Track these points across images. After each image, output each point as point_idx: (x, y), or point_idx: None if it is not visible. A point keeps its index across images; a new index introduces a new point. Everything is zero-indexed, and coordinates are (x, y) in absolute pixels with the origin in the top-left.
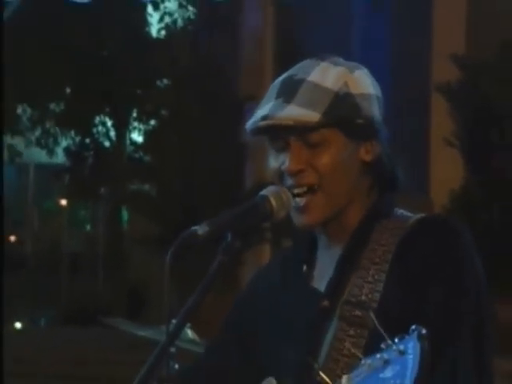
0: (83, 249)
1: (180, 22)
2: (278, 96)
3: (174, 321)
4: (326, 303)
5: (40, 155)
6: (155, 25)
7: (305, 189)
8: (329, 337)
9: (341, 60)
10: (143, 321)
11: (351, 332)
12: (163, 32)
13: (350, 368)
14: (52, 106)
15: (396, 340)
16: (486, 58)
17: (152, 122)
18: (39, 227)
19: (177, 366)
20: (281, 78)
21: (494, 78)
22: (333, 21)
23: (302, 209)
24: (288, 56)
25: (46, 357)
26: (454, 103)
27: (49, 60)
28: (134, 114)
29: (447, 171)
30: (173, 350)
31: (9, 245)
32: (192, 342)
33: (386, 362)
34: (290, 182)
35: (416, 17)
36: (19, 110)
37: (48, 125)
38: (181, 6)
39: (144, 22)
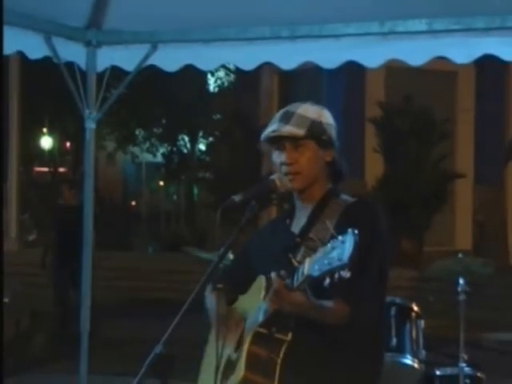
0: (172, 209)
1: (226, 83)
2: (281, 120)
3: (221, 249)
4: (298, 239)
5: (148, 157)
6: (212, 84)
7: (293, 173)
8: (298, 256)
9: (313, 103)
10: (205, 249)
11: (311, 253)
12: (216, 88)
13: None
14: (155, 129)
15: (339, 237)
16: (395, 103)
17: (210, 139)
18: (148, 197)
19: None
20: (282, 111)
21: (401, 115)
22: (311, 82)
23: (292, 181)
24: (286, 102)
25: (149, 270)
26: (378, 129)
27: (153, 104)
28: (200, 134)
29: (374, 166)
30: (221, 265)
31: (131, 207)
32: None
33: (333, 248)
34: (285, 169)
35: (357, 80)
36: (137, 132)
37: (153, 140)
38: (226, 74)
39: (205, 83)
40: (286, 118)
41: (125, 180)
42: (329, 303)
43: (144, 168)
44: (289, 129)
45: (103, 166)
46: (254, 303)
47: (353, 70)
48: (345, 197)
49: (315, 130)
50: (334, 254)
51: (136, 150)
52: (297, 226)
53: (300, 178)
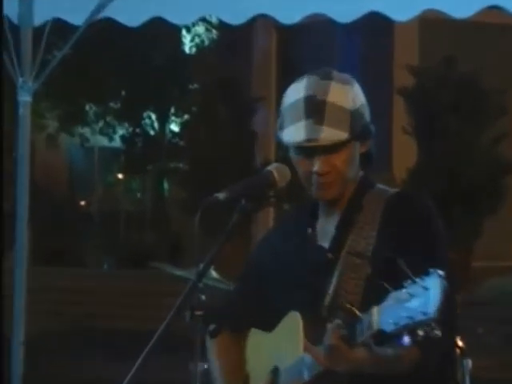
0: (135, 210)
1: (206, 42)
2: (308, 116)
3: (201, 264)
4: (330, 255)
5: (102, 141)
6: (188, 44)
7: (328, 183)
8: (334, 280)
9: (340, 75)
10: (179, 264)
11: (352, 275)
12: (194, 49)
13: (354, 303)
14: (111, 104)
15: (418, 279)
16: (432, 68)
17: (185, 117)
18: (102, 195)
19: (203, 297)
20: (301, 97)
21: (441, 84)
22: (320, 40)
23: (323, 187)
24: (287, 67)
25: (106, 291)
26: (410, 102)
27: (109, 71)
28: (172, 110)
29: (404, 153)
30: (201, 285)
31: (80, 207)
32: (215, 279)
33: (411, 296)
34: (316, 179)
35: (381, 38)
36: (87, 107)
37: (108, 118)
38: (207, 29)
39: (179, 42)
40: (317, 114)
41: (71, 171)
42: (395, 350)
43: (97, 155)
44: (328, 134)
45: (42, 151)
46: (286, 349)
47: (376, 25)
48: (380, 186)
49: (357, 125)
50: (415, 304)
51: (86, 131)
52: (324, 236)
53: (334, 187)
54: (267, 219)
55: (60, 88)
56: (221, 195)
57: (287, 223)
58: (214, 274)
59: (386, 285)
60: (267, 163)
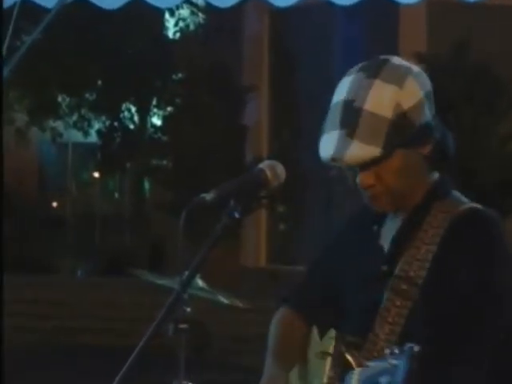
0: (112, 212)
1: (192, 26)
2: (342, 126)
3: (186, 272)
4: (385, 268)
5: (77, 136)
6: (171, 28)
7: (376, 196)
8: (386, 298)
9: (392, 69)
10: (162, 272)
11: (397, 303)
12: (178, 34)
13: (391, 336)
14: (87, 95)
15: (395, 351)
16: (443, 54)
17: (168, 109)
18: (76, 195)
19: (188, 310)
20: (342, 99)
21: (452, 72)
22: (316, 24)
23: (372, 200)
24: (281, 54)
25: (81, 300)
26: None
27: (84, 57)
28: (154, 102)
29: None
30: (185, 296)
31: (52, 210)
32: (201, 289)
33: (384, 370)
34: (363, 191)
35: (385, 23)
36: (60, 99)
37: (83, 111)
38: (192, 13)
39: (162, 26)
40: (351, 124)
41: (42, 169)
42: None
43: (71, 152)
44: (356, 151)
45: (10, 147)
46: (316, 373)
47: (380, 7)
48: (456, 196)
49: (400, 135)
50: (384, 380)
51: (59, 124)
52: (387, 240)
53: (385, 200)
54: (259, 222)
55: (30, 77)
56: (208, 196)
57: (358, 218)
58: (200, 283)
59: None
60: (259, 160)
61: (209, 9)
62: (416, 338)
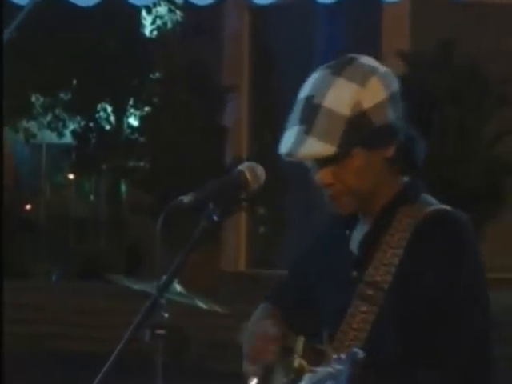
0: (88, 216)
1: (169, 24)
2: (301, 122)
3: (164, 276)
4: (355, 273)
5: (51, 136)
6: (148, 26)
7: (336, 196)
8: (353, 304)
9: (356, 68)
10: (138, 276)
11: (363, 308)
12: (155, 32)
13: (357, 340)
14: (61, 94)
15: (342, 357)
16: (426, 52)
17: (146, 109)
18: (51, 197)
19: (166, 315)
20: (305, 95)
21: (436, 71)
22: (297, 22)
23: (332, 200)
24: (261, 53)
25: (54, 306)
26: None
27: (58, 56)
28: (131, 102)
29: None
30: (163, 301)
31: (25, 212)
32: (179, 294)
33: (330, 376)
34: (323, 189)
35: (368, 21)
36: (33, 98)
37: (57, 111)
38: (170, 10)
39: (139, 24)
40: (309, 120)
41: (15, 171)
42: None
43: (45, 153)
44: (309, 148)
45: None
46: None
47: (362, 5)
48: (426, 200)
49: (356, 135)
50: None
51: (32, 125)
52: (355, 246)
53: (345, 201)
54: (238, 225)
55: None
56: (186, 199)
57: (333, 222)
58: (178, 287)
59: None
60: (239, 161)
61: (187, 6)
62: (382, 343)
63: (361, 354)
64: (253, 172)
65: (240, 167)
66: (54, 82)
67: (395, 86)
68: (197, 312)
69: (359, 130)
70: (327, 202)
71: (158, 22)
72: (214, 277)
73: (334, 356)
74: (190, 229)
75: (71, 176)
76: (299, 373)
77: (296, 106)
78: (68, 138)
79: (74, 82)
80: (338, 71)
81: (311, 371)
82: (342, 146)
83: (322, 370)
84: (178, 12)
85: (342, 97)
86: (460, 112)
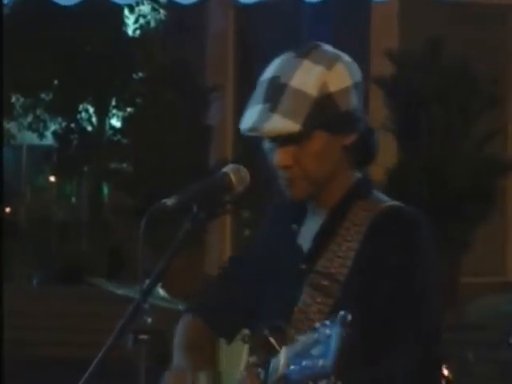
0: (70, 218)
1: (153, 23)
2: (265, 100)
3: (147, 280)
4: (303, 266)
5: (32, 138)
6: (131, 25)
7: (292, 179)
8: (302, 297)
9: (322, 53)
10: (121, 280)
11: (318, 299)
12: (138, 32)
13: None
14: (42, 95)
15: (326, 322)
16: (416, 52)
17: (128, 110)
18: (31, 200)
19: (149, 320)
20: (269, 76)
21: (425, 72)
22: (284, 21)
23: (287, 185)
24: (246, 52)
25: (35, 310)
26: (389, 93)
27: (39, 56)
28: (113, 103)
29: (383, 151)
30: (146, 305)
31: (5, 215)
32: (163, 298)
33: (317, 342)
34: (280, 173)
35: (356, 20)
36: (13, 99)
37: (38, 111)
38: (153, 9)
39: (121, 23)
40: (274, 98)
41: None
42: None
43: (25, 154)
44: (275, 124)
45: None
46: (232, 373)
47: (350, 4)
48: (378, 196)
49: (320, 116)
50: (316, 351)
51: (12, 126)
52: (306, 239)
53: (301, 185)
54: (223, 228)
55: None
56: (169, 201)
57: (276, 216)
58: (161, 292)
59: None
60: (223, 163)
61: (170, 5)
62: None
63: (349, 316)
64: (237, 174)
65: (224, 169)
66: (34, 82)
67: (358, 76)
68: (180, 317)
69: (324, 112)
70: (281, 187)
71: (141, 20)
72: (199, 281)
73: (317, 324)
74: (173, 232)
75: (52, 178)
76: (269, 350)
77: (259, 87)
78: (49, 140)
79: (56, 82)
80: (303, 55)
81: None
82: (306, 124)
83: (304, 338)
84: (161, 11)
85: (308, 77)
86: (448, 112)
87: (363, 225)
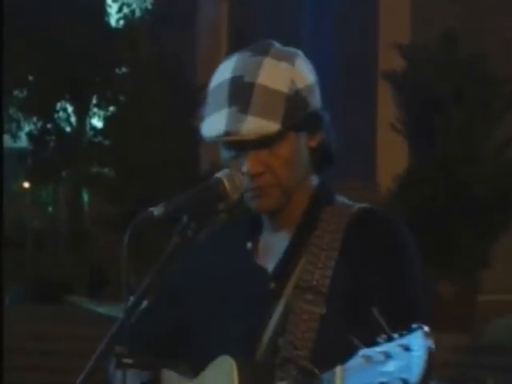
0: (46, 228)
1: (138, 12)
2: (231, 103)
3: (131, 298)
4: (272, 285)
5: (4, 139)
6: (114, 15)
7: (262, 188)
8: (275, 318)
9: (279, 50)
10: (103, 298)
11: (304, 316)
12: (122, 22)
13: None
14: (15, 92)
15: (394, 336)
16: (429, 46)
17: (111, 108)
18: (5, 209)
19: None
20: (227, 78)
21: (439, 68)
22: (282, 12)
23: (258, 197)
24: (241, 45)
25: (8, 332)
26: (399, 91)
27: (10, 48)
28: (94, 101)
29: (392, 156)
30: (132, 325)
31: None
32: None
33: (388, 357)
34: (248, 181)
35: (362, 10)
36: None
37: (11, 110)
38: None
39: (103, 13)
40: (243, 100)
41: None
42: None
43: None
44: (252, 125)
45: None
46: None
47: None
48: (341, 200)
49: (297, 113)
50: (392, 367)
51: None
52: (268, 257)
53: (272, 194)
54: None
55: None
56: (157, 210)
57: (221, 234)
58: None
59: (354, 340)
60: (216, 168)
61: None
62: (333, 348)
63: (427, 327)
64: (232, 180)
65: (217, 175)
66: (6, 79)
67: (313, 72)
68: None
69: (297, 109)
70: (247, 198)
71: (125, 9)
72: None
73: (379, 339)
74: (161, 243)
75: (26, 184)
76: (305, 378)
77: (214, 93)
78: (23, 142)
79: (30, 78)
80: (261, 52)
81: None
82: (284, 123)
83: (359, 357)
84: None
85: (276, 74)
86: (465, 111)
87: (338, 231)
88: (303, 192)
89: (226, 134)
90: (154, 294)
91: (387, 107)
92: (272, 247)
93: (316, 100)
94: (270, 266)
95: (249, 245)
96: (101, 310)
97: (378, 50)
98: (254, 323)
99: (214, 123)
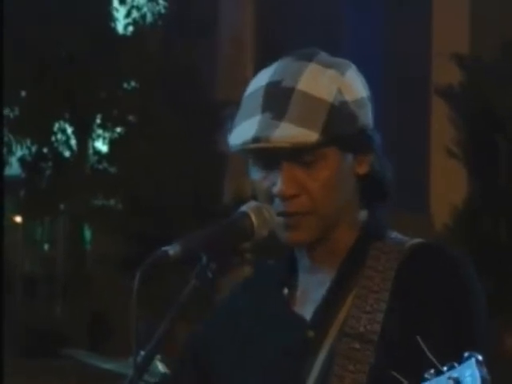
0: (40, 271)
1: (149, 17)
2: (265, 109)
3: (142, 352)
4: (311, 334)
5: None
6: (122, 20)
7: (296, 214)
8: (316, 370)
9: (328, 57)
10: (108, 352)
11: (351, 367)
12: (131, 28)
13: None
14: (6, 111)
15: (446, 368)
16: (489, 57)
17: (118, 129)
18: None
19: None
20: (263, 84)
21: (502, 81)
22: (319, 20)
23: (291, 227)
24: (270, 57)
25: None
26: (457, 109)
27: (4, 61)
28: (98, 120)
29: (449, 185)
30: None
31: None
32: (163, 375)
33: None
34: (280, 205)
35: (412, 14)
36: None
37: (4, 131)
38: (150, 1)
39: (109, 17)
40: (279, 105)
41: None
42: None
43: None
44: (286, 131)
45: None
46: None
47: None
48: (394, 235)
49: (339, 125)
50: None
51: None
52: (307, 304)
53: (310, 221)
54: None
55: None
56: (172, 249)
57: (256, 281)
58: (160, 366)
59: (400, 378)
60: (241, 200)
61: None
62: None
63: (480, 356)
64: (260, 214)
65: (243, 208)
66: None
67: (368, 90)
68: None
69: (342, 121)
70: (278, 229)
71: (135, 14)
72: None
73: (428, 375)
74: (176, 288)
75: (18, 218)
76: None
77: (248, 100)
78: (15, 169)
79: (23, 93)
80: (306, 58)
81: None
82: (326, 133)
83: None
84: (160, 1)
85: (320, 81)
86: None
87: (389, 269)
88: (349, 227)
89: (255, 140)
90: (178, 358)
91: (442, 128)
92: (311, 291)
93: (367, 117)
94: (309, 312)
95: (285, 291)
96: (105, 365)
97: (430, 60)
98: (290, 379)
99: (242, 131)
